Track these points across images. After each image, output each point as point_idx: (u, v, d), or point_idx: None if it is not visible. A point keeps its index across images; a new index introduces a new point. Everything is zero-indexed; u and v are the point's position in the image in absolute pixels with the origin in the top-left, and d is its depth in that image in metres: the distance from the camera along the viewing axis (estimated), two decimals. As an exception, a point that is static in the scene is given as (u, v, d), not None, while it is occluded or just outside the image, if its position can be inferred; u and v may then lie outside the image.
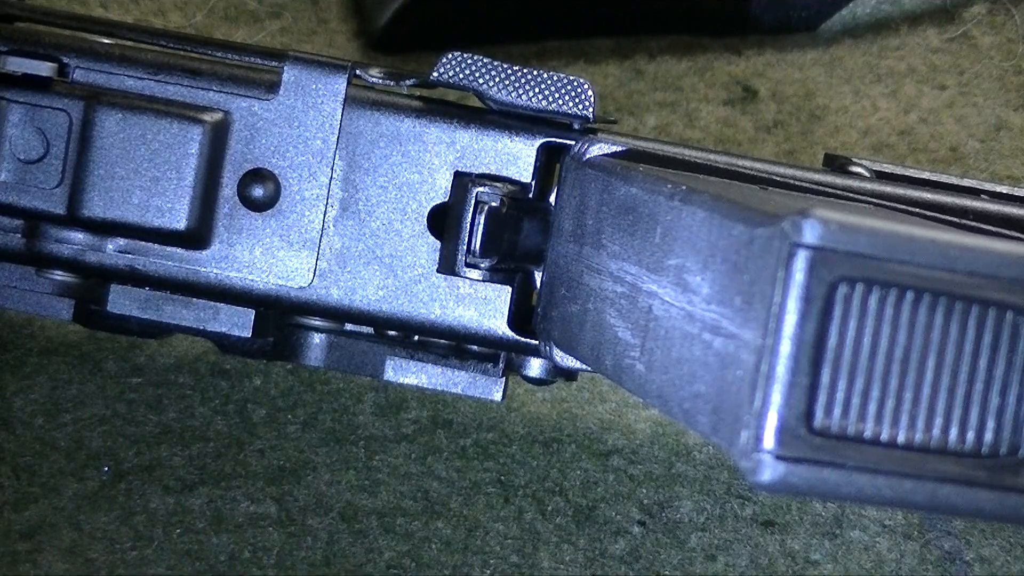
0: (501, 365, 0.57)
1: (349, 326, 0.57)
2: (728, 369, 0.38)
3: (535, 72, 0.54)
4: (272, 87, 0.55)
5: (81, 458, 0.60)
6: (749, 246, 0.38)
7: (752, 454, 0.37)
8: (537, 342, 0.55)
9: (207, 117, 0.54)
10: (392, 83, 0.55)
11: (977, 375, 0.37)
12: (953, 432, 0.37)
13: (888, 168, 0.59)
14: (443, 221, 0.55)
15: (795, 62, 0.83)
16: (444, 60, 0.54)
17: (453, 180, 0.55)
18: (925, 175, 0.59)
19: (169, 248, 0.55)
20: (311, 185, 0.55)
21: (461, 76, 0.54)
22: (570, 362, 0.53)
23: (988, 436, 0.37)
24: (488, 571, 0.58)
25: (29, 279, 0.56)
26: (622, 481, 0.62)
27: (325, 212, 0.55)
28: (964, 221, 0.48)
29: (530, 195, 0.55)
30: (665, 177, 0.45)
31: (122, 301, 0.56)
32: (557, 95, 0.54)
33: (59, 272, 0.56)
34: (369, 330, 0.57)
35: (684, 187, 0.43)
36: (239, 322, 0.56)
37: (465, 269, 0.54)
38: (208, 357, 0.64)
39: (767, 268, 0.37)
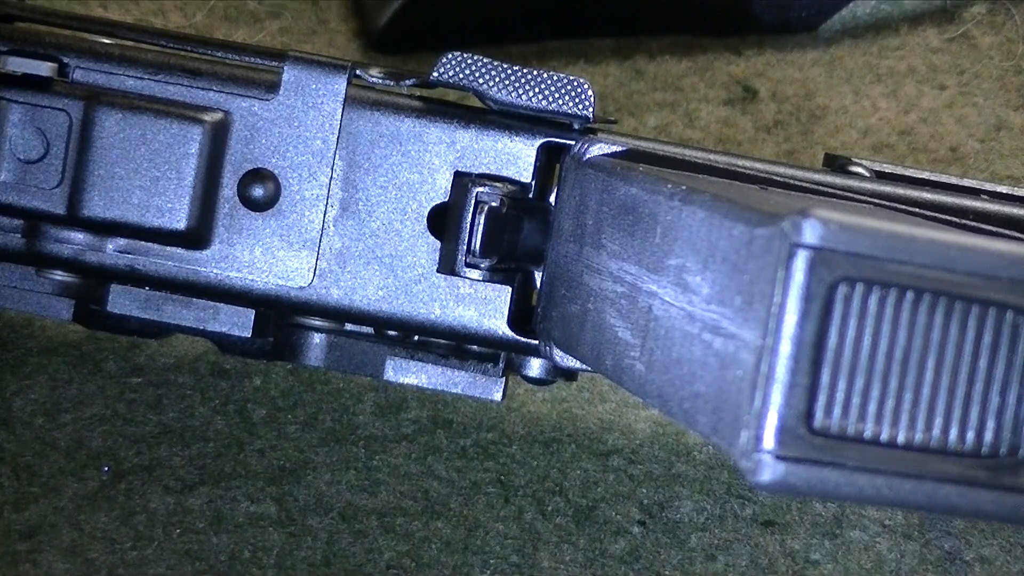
0: (501, 365, 0.57)
1: (349, 326, 0.57)
2: (728, 369, 0.38)
3: (535, 72, 0.54)
4: (272, 87, 0.55)
5: (81, 458, 0.60)
6: (749, 246, 0.38)
7: (752, 454, 0.37)
8: (537, 342, 0.55)
9: (207, 117, 0.54)
10: (392, 83, 0.55)
11: (977, 375, 0.37)
12: (953, 432, 0.37)
13: (888, 168, 0.59)
14: (443, 221, 0.55)
15: (795, 62, 0.83)
16: (444, 60, 0.54)
17: (453, 180, 0.55)
18: (925, 175, 0.59)
19: (169, 248, 0.55)
20: (311, 185, 0.55)
21: (461, 76, 0.54)
22: (570, 362, 0.53)
23: (988, 436, 0.37)
24: (488, 571, 0.58)
25: (29, 279, 0.56)
26: (622, 481, 0.62)
27: (325, 212, 0.55)
28: (964, 221, 0.48)
29: (530, 195, 0.55)
30: (665, 177, 0.45)
31: (122, 301, 0.56)
32: (557, 95, 0.54)
33: (59, 272, 0.56)
34: (369, 330, 0.57)
35: (684, 187, 0.43)
36: (239, 322, 0.56)
37: (465, 269, 0.54)
38: (208, 357, 0.64)
39: (767, 268, 0.37)
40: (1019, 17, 0.86)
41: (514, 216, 0.54)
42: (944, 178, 0.59)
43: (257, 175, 0.55)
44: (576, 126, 0.55)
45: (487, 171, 0.55)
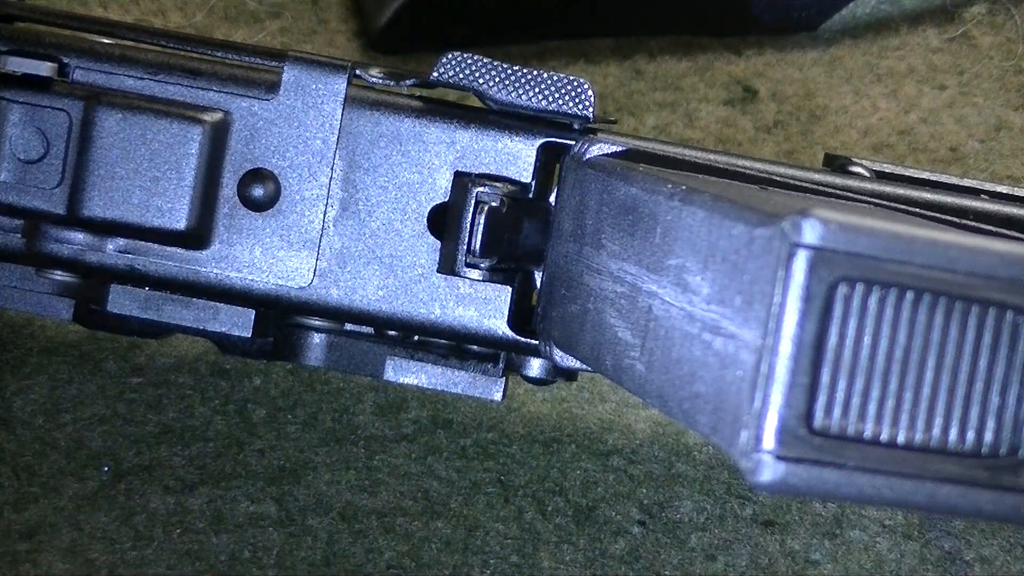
0: (501, 365, 0.57)
1: (349, 326, 0.57)
2: (728, 369, 0.38)
3: (535, 72, 0.54)
4: (272, 87, 0.55)
5: (81, 458, 0.60)
6: (749, 246, 0.38)
7: (752, 454, 0.37)
8: (537, 342, 0.55)
9: (207, 117, 0.54)
10: (392, 83, 0.55)
11: (977, 375, 0.37)
12: (953, 432, 0.37)
13: (888, 168, 0.59)
14: (443, 221, 0.55)
15: (795, 62, 0.83)
16: (444, 60, 0.54)
17: (453, 180, 0.55)
18: (925, 175, 0.59)
19: (169, 248, 0.55)
20: (311, 185, 0.55)
21: (461, 76, 0.54)
22: (570, 362, 0.53)
23: (988, 436, 0.37)
24: (488, 571, 0.58)
25: (29, 279, 0.56)
26: (622, 481, 0.62)
27: (325, 212, 0.55)
28: (964, 221, 0.48)
29: (530, 195, 0.55)
30: (665, 177, 0.45)
31: (122, 301, 0.56)
32: (557, 95, 0.54)
33: (59, 272, 0.56)
34: (369, 330, 0.57)
35: (684, 187, 0.43)
36: (239, 322, 0.56)
37: (465, 269, 0.54)
38: (208, 357, 0.64)
39: (767, 268, 0.37)
40: (1019, 17, 0.86)
41: (514, 216, 0.54)
42: (944, 178, 0.59)
43: (257, 175, 0.55)
44: (576, 126, 0.55)
45: (487, 171, 0.55)
